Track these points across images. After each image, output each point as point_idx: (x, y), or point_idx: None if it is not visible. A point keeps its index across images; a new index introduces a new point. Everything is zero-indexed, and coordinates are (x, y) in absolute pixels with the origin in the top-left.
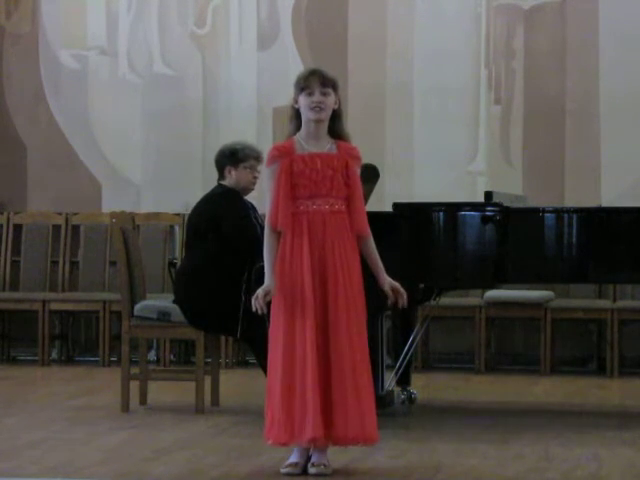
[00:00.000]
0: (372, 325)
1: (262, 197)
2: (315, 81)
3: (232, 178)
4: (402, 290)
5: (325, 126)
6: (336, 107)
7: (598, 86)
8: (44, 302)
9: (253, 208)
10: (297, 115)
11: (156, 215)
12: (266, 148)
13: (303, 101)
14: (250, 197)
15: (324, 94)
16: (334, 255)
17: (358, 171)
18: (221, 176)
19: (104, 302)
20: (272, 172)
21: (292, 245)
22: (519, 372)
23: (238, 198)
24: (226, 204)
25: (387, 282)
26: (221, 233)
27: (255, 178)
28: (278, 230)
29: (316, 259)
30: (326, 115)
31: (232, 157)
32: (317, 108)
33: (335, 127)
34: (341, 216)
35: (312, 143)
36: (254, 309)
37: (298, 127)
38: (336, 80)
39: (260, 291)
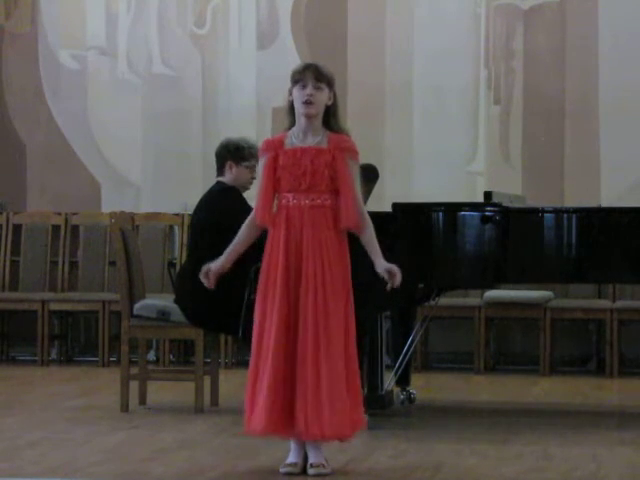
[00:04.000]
0: (372, 325)
1: None
2: (309, 75)
3: (231, 174)
4: (395, 270)
5: (317, 122)
6: (330, 103)
7: (598, 86)
8: (43, 302)
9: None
10: (292, 109)
11: (155, 215)
12: None
13: (296, 94)
14: (246, 197)
15: (317, 88)
16: (309, 250)
17: (352, 163)
18: (220, 170)
19: (103, 302)
20: (260, 166)
21: (272, 240)
22: (519, 372)
23: (237, 194)
24: (225, 200)
25: (381, 265)
26: (222, 230)
27: (253, 178)
28: (259, 224)
29: (292, 254)
30: (316, 110)
31: (236, 153)
32: (308, 101)
33: (330, 124)
34: (322, 210)
35: (301, 137)
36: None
37: (293, 122)
38: (332, 76)
39: (212, 266)
